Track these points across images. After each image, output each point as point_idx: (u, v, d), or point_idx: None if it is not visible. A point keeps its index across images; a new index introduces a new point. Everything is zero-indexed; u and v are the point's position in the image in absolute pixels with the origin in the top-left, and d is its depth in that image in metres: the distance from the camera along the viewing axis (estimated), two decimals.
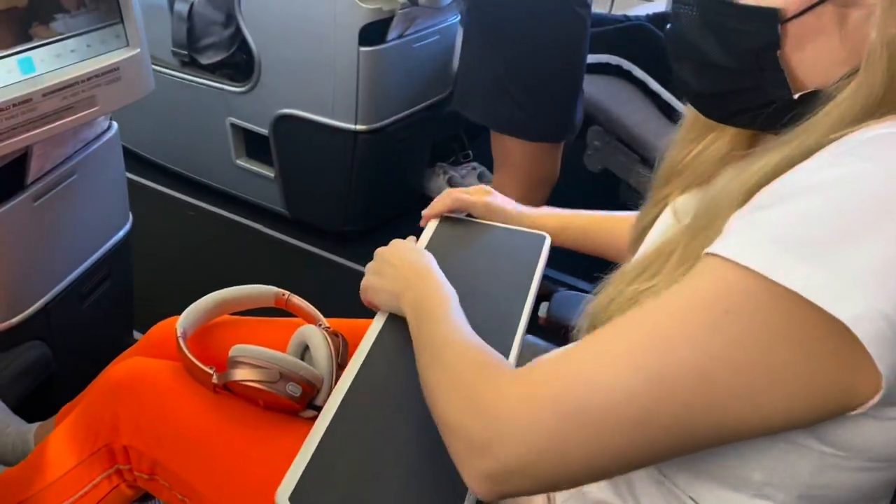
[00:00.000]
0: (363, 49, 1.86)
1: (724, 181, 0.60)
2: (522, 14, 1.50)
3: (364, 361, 0.81)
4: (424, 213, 1.01)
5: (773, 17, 0.57)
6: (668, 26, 0.66)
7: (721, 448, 0.56)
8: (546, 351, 1.02)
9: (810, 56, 0.58)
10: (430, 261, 0.81)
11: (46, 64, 1.05)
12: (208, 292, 1.02)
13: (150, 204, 2.30)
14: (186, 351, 0.89)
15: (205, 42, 2.13)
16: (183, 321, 0.94)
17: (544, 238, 0.98)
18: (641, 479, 0.68)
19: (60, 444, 0.94)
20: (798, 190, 0.50)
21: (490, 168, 1.80)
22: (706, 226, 0.58)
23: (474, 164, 2.43)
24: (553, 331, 1.12)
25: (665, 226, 0.74)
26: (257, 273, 2.02)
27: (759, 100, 0.61)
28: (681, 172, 0.75)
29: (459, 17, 2.11)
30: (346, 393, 0.77)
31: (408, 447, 0.73)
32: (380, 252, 0.84)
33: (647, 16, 1.88)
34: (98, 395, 0.94)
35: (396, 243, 0.85)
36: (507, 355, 0.83)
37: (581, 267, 1.09)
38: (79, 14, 1.10)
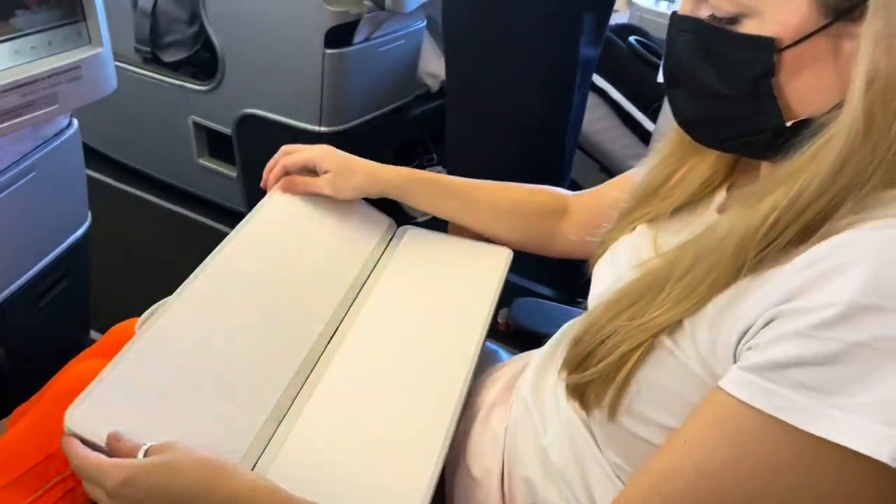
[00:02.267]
0: (329, 51, 1.86)
1: (727, 223, 0.59)
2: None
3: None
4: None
5: (769, 46, 0.57)
6: (665, 54, 0.66)
7: None
8: (505, 359, 1.03)
9: (805, 84, 0.58)
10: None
11: (5, 60, 1.04)
12: (167, 292, 1.01)
13: (110, 201, 2.27)
14: None
15: (168, 39, 2.11)
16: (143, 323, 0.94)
17: (507, 252, 1.02)
18: (598, 478, 0.70)
19: (13, 447, 0.93)
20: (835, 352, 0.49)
21: None
22: (707, 268, 0.58)
23: (438, 167, 2.44)
24: (512, 335, 1.14)
25: (638, 254, 0.73)
26: None
27: (752, 127, 0.61)
28: (661, 196, 0.75)
29: (426, 23, 2.13)
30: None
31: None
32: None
33: (611, 27, 1.91)
34: (52, 400, 0.94)
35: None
36: (466, 361, 0.87)
37: (543, 273, 1.12)
38: (40, 11, 1.09)
